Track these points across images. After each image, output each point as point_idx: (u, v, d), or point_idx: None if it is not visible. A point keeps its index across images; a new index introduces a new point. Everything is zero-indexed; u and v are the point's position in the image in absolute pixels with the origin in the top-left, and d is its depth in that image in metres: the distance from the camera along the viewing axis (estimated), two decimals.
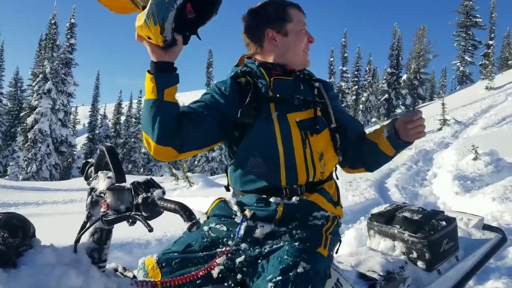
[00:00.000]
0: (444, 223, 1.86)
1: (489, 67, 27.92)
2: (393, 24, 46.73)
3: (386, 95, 38.01)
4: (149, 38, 1.35)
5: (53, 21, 30.40)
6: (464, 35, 35.96)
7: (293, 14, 1.62)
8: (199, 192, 8.37)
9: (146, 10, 1.31)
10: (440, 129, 15.33)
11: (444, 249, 1.82)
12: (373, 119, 34.80)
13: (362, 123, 1.84)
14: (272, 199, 1.52)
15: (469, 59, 35.93)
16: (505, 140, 9.47)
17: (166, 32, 1.33)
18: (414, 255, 1.83)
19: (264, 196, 1.53)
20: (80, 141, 47.01)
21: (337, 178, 1.72)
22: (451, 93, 32.80)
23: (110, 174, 1.24)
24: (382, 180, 7.64)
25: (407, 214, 1.95)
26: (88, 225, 1.23)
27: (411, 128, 1.54)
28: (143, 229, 1.09)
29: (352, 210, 5.39)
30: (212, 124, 1.51)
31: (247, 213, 1.52)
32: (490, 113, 16.14)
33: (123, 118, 41.61)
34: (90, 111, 41.38)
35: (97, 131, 39.09)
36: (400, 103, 37.55)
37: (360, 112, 38.38)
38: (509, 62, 35.37)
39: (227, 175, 1.68)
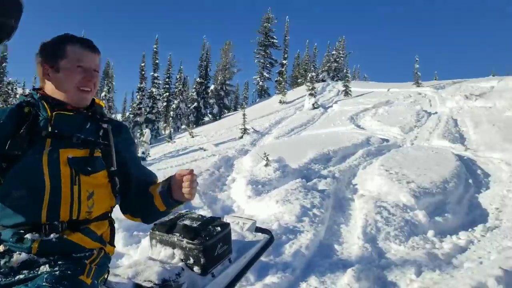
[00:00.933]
0: (219, 228, 1.99)
1: (283, 83, 31.75)
2: (203, 36, 48.62)
3: (196, 103, 39.39)
4: None
5: None
6: (263, 53, 40.02)
7: (69, 51, 1.60)
8: None
9: None
10: (241, 137, 16.60)
11: (218, 253, 1.95)
12: (183, 126, 35.63)
13: (155, 174, 1.81)
14: (28, 236, 1.46)
15: (267, 75, 40.10)
16: (292, 148, 10.82)
17: None
18: (191, 261, 1.91)
19: (21, 231, 1.47)
20: None
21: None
22: (252, 104, 36.01)
23: None
24: None
25: (187, 222, 2.03)
26: None
27: (183, 187, 1.58)
28: None
29: None
30: None
31: (1, 248, 1.44)
32: (282, 124, 18.24)
33: None
34: None
35: None
36: (208, 111, 39.41)
37: (171, 118, 38.80)
38: (299, 80, 40.77)
39: None
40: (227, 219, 2.34)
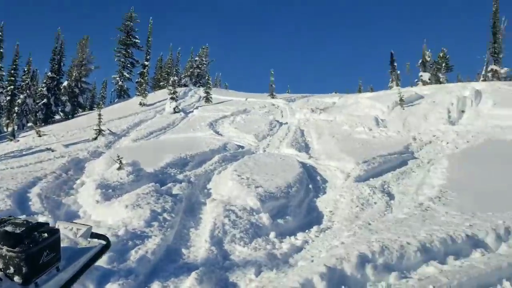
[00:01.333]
0: (46, 235, 1.88)
1: (144, 85, 30.86)
2: (58, 27, 44.66)
3: (45, 100, 35.80)
4: None
5: None
6: (124, 52, 38.39)
7: None
8: None
9: None
10: (95, 138, 15.66)
11: (44, 261, 1.84)
12: (29, 124, 32.13)
13: None
14: None
15: (127, 75, 38.52)
16: (149, 152, 10.61)
17: None
18: (11, 270, 1.77)
19: None
20: None
21: None
22: (110, 105, 34.21)
23: None
24: (26, 189, 7.14)
25: (8, 228, 1.88)
26: None
27: None
28: None
29: None
30: None
31: None
32: (141, 127, 17.74)
33: None
34: None
35: None
36: (60, 109, 36.21)
37: (15, 114, 34.59)
38: (161, 83, 40.08)
39: None
40: (59, 225, 2.22)
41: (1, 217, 2.03)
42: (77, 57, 37.22)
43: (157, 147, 12.13)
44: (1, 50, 35.25)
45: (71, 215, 6.07)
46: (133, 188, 7.02)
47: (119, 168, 7.88)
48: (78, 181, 8.28)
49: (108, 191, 6.78)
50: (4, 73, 35.30)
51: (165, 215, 5.49)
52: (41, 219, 5.26)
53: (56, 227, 2.06)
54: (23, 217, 5.21)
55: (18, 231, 1.86)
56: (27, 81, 37.04)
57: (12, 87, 36.90)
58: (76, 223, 2.40)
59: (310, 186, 8.01)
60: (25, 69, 37.94)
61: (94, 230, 2.33)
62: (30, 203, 6.39)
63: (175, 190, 6.93)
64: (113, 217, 5.41)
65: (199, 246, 4.87)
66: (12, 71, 37.26)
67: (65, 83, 36.72)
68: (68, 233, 2.19)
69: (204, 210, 6.41)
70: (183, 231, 5.46)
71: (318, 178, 8.80)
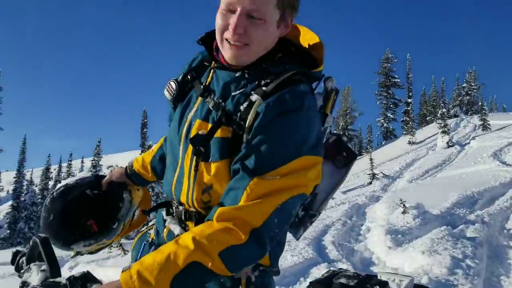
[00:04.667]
0: (377, 287, 1.94)
1: (410, 123, 30.34)
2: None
3: None
4: None
5: None
6: (385, 94, 38.99)
7: None
8: None
9: None
10: (370, 183, 16.08)
11: None
12: None
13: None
14: (163, 212, 1.36)
15: (391, 116, 38.74)
16: (428, 193, 10.12)
17: None
18: None
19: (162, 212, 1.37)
20: (3, 210, 43.42)
21: None
22: (378, 148, 34.85)
23: (44, 266, 1.20)
24: (319, 237, 7.77)
25: (343, 281, 2.02)
26: None
27: None
28: None
29: (291, 272, 5.40)
30: None
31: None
32: (414, 166, 17.27)
33: (51, 183, 39.40)
34: (15, 177, 38.72)
35: (22, 198, 36.46)
36: None
37: None
38: (427, 118, 38.58)
39: None
40: (381, 276, 2.27)
41: (333, 270, 2.22)
42: (341, 107, 39.94)
43: (437, 186, 11.45)
44: None
45: (366, 262, 6.23)
46: (423, 232, 6.74)
47: (403, 212, 7.75)
48: (363, 227, 8.52)
49: (398, 236, 6.71)
50: None
51: (467, 261, 5.00)
52: (342, 266, 5.59)
53: (379, 277, 2.10)
54: (324, 265, 5.67)
55: (352, 283, 1.98)
56: None
57: None
58: (397, 274, 2.40)
59: None
60: None
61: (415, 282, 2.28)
62: (327, 250, 6.89)
63: (469, 233, 6.31)
64: (409, 263, 5.26)
65: None
66: None
67: None
68: (391, 284, 2.21)
69: (511, 254, 5.55)
70: (492, 279, 4.83)
71: None
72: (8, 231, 34.10)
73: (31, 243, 1.29)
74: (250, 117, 1.10)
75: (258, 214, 1.03)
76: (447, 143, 19.78)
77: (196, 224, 1.19)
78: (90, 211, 1.51)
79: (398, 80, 39.02)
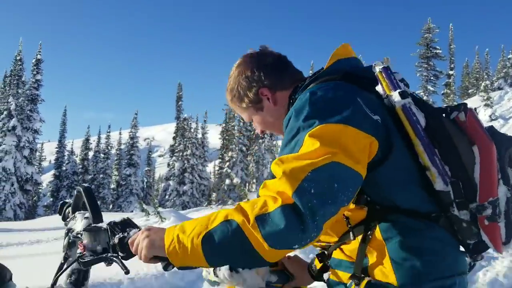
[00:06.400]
0: None
1: (451, 96, 29.23)
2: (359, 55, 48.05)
3: None
4: None
5: (18, 57, 30.03)
6: (426, 65, 37.46)
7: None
8: None
9: None
10: None
11: None
12: None
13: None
14: None
15: (431, 88, 37.32)
16: None
17: None
18: None
19: None
20: (46, 179, 45.57)
21: None
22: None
23: (87, 214, 1.25)
24: None
25: None
26: (65, 266, 1.22)
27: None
28: (114, 269, 1.08)
29: None
30: None
31: None
32: None
33: (91, 153, 40.79)
34: (56, 148, 40.30)
35: (64, 168, 38.01)
36: None
37: None
38: (469, 91, 37.07)
39: None
40: None
41: None
42: None
43: None
44: None
45: None
46: None
47: None
48: None
49: None
50: None
51: None
52: None
53: None
54: None
55: None
56: None
57: None
58: None
59: None
60: None
61: None
62: None
63: None
64: None
65: None
66: None
67: None
68: None
69: None
70: None
71: None
72: (51, 199, 35.78)
73: (75, 192, 1.34)
74: None
75: (290, 183, 0.97)
76: (490, 116, 19.01)
77: None
78: None
79: (440, 51, 37.38)
